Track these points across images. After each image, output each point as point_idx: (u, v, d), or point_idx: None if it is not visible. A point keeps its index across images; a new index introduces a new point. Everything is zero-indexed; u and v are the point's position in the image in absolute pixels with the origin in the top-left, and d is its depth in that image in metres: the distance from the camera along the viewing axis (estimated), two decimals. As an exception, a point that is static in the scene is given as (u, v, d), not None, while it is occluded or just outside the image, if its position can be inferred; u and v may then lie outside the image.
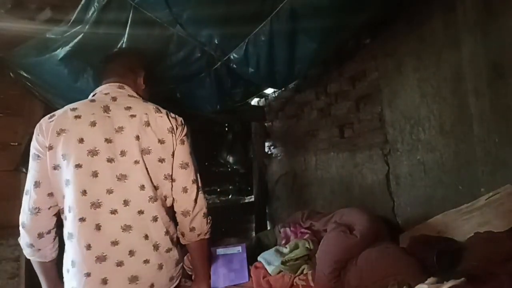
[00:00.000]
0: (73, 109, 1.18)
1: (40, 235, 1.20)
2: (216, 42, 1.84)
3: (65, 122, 1.14)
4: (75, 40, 1.53)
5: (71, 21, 1.48)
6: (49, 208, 1.18)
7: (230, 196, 3.09)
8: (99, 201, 1.10)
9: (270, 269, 1.91)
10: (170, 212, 1.25)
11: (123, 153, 1.14)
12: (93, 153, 1.11)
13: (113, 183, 1.11)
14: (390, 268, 1.53)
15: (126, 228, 1.10)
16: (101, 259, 1.07)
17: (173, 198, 1.24)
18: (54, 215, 1.21)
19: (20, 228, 1.21)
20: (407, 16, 2.12)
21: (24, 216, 1.19)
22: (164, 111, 1.26)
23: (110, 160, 1.12)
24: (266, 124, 3.41)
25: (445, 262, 1.41)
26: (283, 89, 3.04)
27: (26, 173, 1.82)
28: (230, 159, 3.05)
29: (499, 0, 1.73)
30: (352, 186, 2.50)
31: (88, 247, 1.08)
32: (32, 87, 1.86)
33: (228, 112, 2.86)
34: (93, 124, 1.14)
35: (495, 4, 1.74)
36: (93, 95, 1.28)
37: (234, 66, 2.05)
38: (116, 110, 1.19)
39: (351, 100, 2.52)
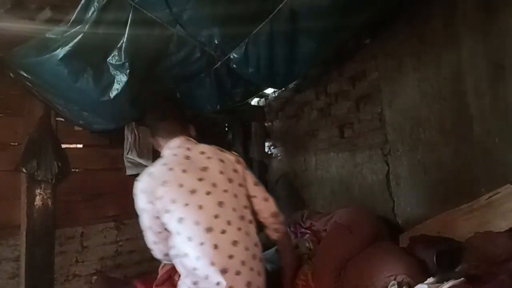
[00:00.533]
0: (164, 164, 1.46)
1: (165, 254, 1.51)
2: (216, 42, 1.84)
3: (164, 175, 1.42)
4: (75, 40, 1.53)
5: (71, 21, 1.48)
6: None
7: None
8: (210, 227, 1.32)
9: (270, 268, 1.92)
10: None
11: (214, 185, 1.39)
12: (193, 192, 1.36)
13: (217, 210, 1.35)
14: (390, 268, 1.53)
15: (234, 243, 1.33)
16: (223, 271, 1.27)
17: (257, 209, 1.54)
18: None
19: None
20: (407, 16, 2.11)
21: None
22: (226, 151, 1.57)
23: (208, 193, 1.37)
24: (266, 124, 3.41)
25: (445, 262, 1.41)
26: (283, 89, 3.04)
27: (26, 173, 1.84)
28: (230, 159, 3.05)
29: (499, 0, 1.73)
30: (352, 186, 2.50)
31: (212, 264, 1.28)
32: (32, 87, 1.86)
33: (228, 112, 2.86)
34: (184, 171, 1.40)
35: (495, 4, 1.74)
36: (170, 150, 1.53)
37: (234, 66, 2.05)
38: (194, 157, 1.47)
39: (351, 100, 2.52)
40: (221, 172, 1.43)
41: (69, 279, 2.02)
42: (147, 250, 2.37)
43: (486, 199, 1.71)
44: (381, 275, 1.50)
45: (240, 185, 1.47)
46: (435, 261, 1.43)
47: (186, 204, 1.33)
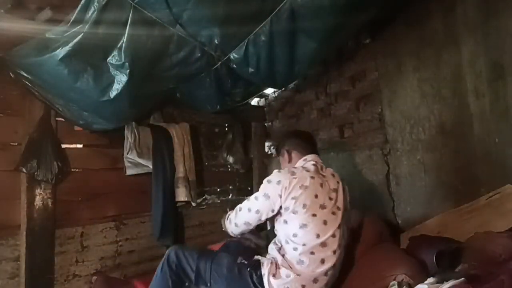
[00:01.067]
0: (307, 171, 1.58)
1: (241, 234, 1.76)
2: (216, 42, 1.84)
3: (306, 180, 1.53)
4: (75, 40, 1.53)
5: (71, 21, 1.48)
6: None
7: (230, 196, 3.08)
8: (326, 242, 1.48)
9: None
10: None
11: (339, 208, 1.56)
12: (323, 207, 1.51)
13: (336, 231, 1.50)
14: (390, 268, 1.52)
15: (334, 266, 1.50)
16: (315, 280, 1.47)
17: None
18: None
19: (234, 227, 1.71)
20: (407, 16, 2.12)
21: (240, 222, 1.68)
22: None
23: (333, 213, 1.53)
24: (266, 124, 3.41)
25: (444, 262, 1.41)
26: (283, 89, 3.04)
27: (26, 173, 1.83)
28: (230, 159, 3.04)
29: (499, 0, 1.73)
30: (352, 186, 2.49)
31: (313, 280, 1.47)
32: (32, 87, 1.86)
33: (228, 112, 2.86)
34: (321, 185, 1.54)
35: (495, 4, 1.74)
36: (307, 163, 1.65)
37: (234, 66, 2.05)
38: (328, 176, 1.62)
39: (351, 100, 2.52)
40: (344, 199, 1.60)
41: (69, 279, 2.02)
42: (147, 250, 2.39)
43: (486, 199, 1.71)
44: (381, 276, 1.50)
45: (346, 209, 1.63)
46: (434, 261, 1.43)
47: (314, 215, 1.48)
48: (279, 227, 1.58)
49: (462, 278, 1.17)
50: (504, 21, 1.71)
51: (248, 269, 1.51)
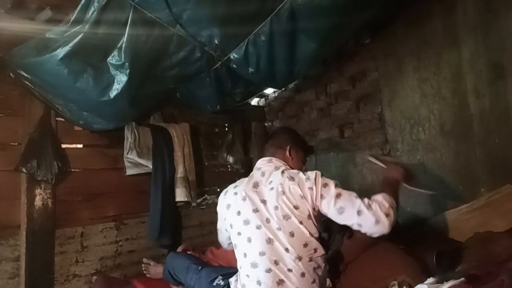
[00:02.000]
0: (235, 187, 1.52)
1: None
2: (216, 42, 1.84)
3: (230, 198, 1.49)
4: (75, 40, 1.52)
5: (71, 21, 1.47)
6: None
7: (230, 196, 3.09)
8: (255, 262, 1.32)
9: None
10: (321, 262, 1.38)
11: (268, 220, 1.34)
12: (246, 222, 1.37)
13: (264, 247, 1.31)
14: (390, 268, 1.52)
15: (280, 282, 1.29)
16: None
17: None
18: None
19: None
20: (407, 16, 2.12)
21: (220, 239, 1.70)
22: (297, 177, 1.38)
23: (258, 227, 1.34)
24: (266, 124, 3.41)
25: (444, 263, 1.41)
26: (283, 89, 3.04)
27: (26, 173, 1.83)
28: (230, 159, 3.04)
29: (499, 0, 1.73)
30: (352, 186, 2.50)
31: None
32: (32, 87, 1.86)
33: (228, 112, 2.86)
34: (244, 198, 1.41)
35: (495, 4, 1.74)
36: (254, 170, 1.57)
37: (234, 66, 2.05)
38: (262, 186, 1.43)
39: (351, 100, 2.52)
40: (276, 208, 1.37)
41: (69, 279, 2.02)
42: (147, 250, 2.39)
43: (486, 199, 1.71)
44: (381, 276, 1.50)
45: (300, 222, 1.36)
46: (434, 261, 1.42)
47: (239, 233, 1.43)
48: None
49: (462, 278, 1.17)
50: (504, 21, 1.71)
51: None
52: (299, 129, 2.98)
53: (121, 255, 2.26)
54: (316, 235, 1.36)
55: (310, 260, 1.32)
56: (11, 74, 1.86)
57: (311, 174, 1.39)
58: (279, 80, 2.26)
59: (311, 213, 1.34)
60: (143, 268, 2.09)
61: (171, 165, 2.43)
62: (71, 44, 1.54)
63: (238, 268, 1.43)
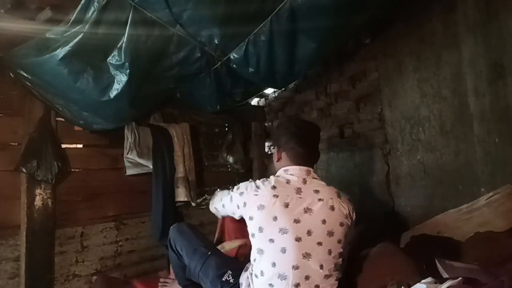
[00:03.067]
0: (274, 188, 1.34)
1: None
2: (216, 42, 1.84)
3: (265, 199, 1.32)
4: (75, 40, 1.52)
5: (71, 21, 1.47)
6: None
7: (230, 196, 3.09)
8: (285, 275, 1.25)
9: None
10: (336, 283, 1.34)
11: (309, 233, 1.27)
12: (283, 231, 1.27)
13: (300, 262, 1.25)
14: (388, 267, 1.52)
15: None
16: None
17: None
18: None
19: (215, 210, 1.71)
20: (407, 16, 2.12)
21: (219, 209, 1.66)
22: (343, 197, 1.38)
23: (297, 239, 1.26)
24: (266, 124, 3.41)
25: (435, 273, 1.38)
26: (283, 89, 3.04)
27: (26, 173, 1.83)
28: (230, 159, 3.04)
29: (499, 0, 1.73)
30: (352, 186, 2.50)
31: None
32: (32, 87, 1.86)
33: (228, 112, 2.86)
34: (286, 205, 1.29)
35: (495, 4, 1.74)
36: (287, 175, 1.41)
37: (234, 66, 2.05)
38: (307, 194, 1.33)
39: (351, 100, 2.52)
40: (324, 222, 1.30)
41: (69, 279, 2.02)
42: (146, 250, 2.39)
43: (486, 199, 1.71)
44: (380, 275, 1.50)
45: (339, 241, 1.33)
46: (425, 269, 1.42)
47: (271, 240, 1.30)
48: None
49: (460, 278, 1.17)
50: (504, 21, 1.71)
51: None
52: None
53: (121, 255, 2.27)
54: (343, 257, 1.37)
55: (336, 279, 1.32)
56: (11, 74, 1.86)
57: (349, 198, 1.40)
58: (279, 80, 2.26)
59: (347, 235, 1.35)
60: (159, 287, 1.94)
61: (171, 165, 2.43)
62: (71, 44, 1.54)
63: (256, 271, 1.33)
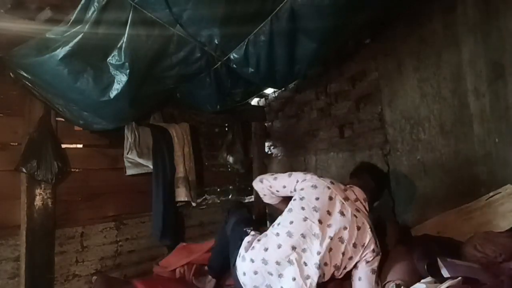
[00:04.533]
0: (331, 183, 1.61)
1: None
2: (216, 42, 1.84)
3: (320, 185, 1.59)
4: (75, 40, 1.52)
5: (71, 21, 1.47)
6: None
7: (230, 196, 3.08)
8: (292, 234, 1.48)
9: None
10: None
11: (329, 226, 1.48)
12: (316, 209, 1.51)
13: (308, 231, 1.48)
14: (387, 266, 1.53)
15: (291, 262, 1.46)
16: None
17: None
18: None
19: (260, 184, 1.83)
20: (407, 16, 2.11)
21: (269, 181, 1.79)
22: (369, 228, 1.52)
23: (320, 222, 1.47)
24: (266, 124, 3.41)
25: (437, 272, 1.38)
26: (283, 89, 3.04)
27: (26, 173, 1.83)
28: (230, 159, 3.04)
29: (499, 0, 1.73)
30: (352, 186, 2.50)
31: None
32: (32, 87, 1.86)
33: (228, 112, 2.86)
34: (330, 198, 1.54)
35: (495, 4, 1.74)
36: (348, 186, 1.66)
37: (234, 66, 2.05)
38: (349, 204, 1.54)
39: (351, 100, 2.52)
40: (349, 239, 1.48)
41: (69, 279, 2.02)
42: (146, 250, 2.39)
43: (486, 199, 1.71)
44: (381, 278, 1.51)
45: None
46: (425, 269, 1.42)
47: (303, 208, 1.53)
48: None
49: (460, 278, 1.17)
50: (504, 21, 1.71)
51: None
52: (299, 129, 2.99)
53: (121, 255, 2.27)
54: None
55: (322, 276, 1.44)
56: (11, 74, 1.86)
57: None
58: (279, 80, 2.26)
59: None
60: None
61: (171, 165, 2.43)
62: (71, 44, 1.54)
63: (276, 225, 1.58)
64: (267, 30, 1.73)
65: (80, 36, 1.51)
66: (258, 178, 1.86)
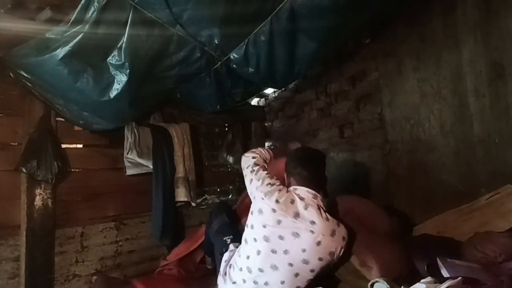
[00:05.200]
0: (276, 202, 1.42)
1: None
2: (216, 42, 1.84)
3: (266, 208, 1.44)
4: (75, 40, 1.52)
5: (71, 21, 1.47)
6: None
7: (230, 196, 3.07)
8: (251, 269, 1.43)
9: None
10: None
11: (286, 252, 1.38)
12: (266, 239, 1.40)
13: (266, 267, 1.41)
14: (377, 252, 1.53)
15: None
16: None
17: None
18: None
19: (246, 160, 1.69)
20: (407, 16, 2.12)
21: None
22: (338, 235, 1.41)
23: (273, 252, 1.39)
24: (266, 124, 3.41)
25: (436, 272, 1.38)
26: (283, 89, 3.04)
27: (26, 173, 1.83)
28: (230, 159, 3.04)
29: (499, 0, 1.73)
30: (352, 186, 2.50)
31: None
32: (32, 87, 1.86)
33: (228, 112, 2.86)
34: (279, 222, 1.40)
35: (495, 4, 1.74)
36: (294, 194, 1.47)
37: (234, 66, 2.05)
38: (303, 219, 1.39)
39: (351, 100, 2.52)
40: (304, 251, 1.38)
41: (69, 279, 2.02)
42: (146, 250, 2.39)
43: (486, 199, 1.71)
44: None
45: (312, 270, 1.40)
46: (425, 270, 1.42)
47: (255, 240, 1.45)
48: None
49: (460, 278, 1.17)
50: (504, 21, 1.71)
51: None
52: (299, 129, 2.99)
53: (121, 255, 2.27)
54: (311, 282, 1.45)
55: None
56: (11, 74, 1.86)
57: (344, 236, 1.43)
58: (279, 80, 2.26)
59: (324, 267, 1.42)
60: None
61: (171, 165, 2.43)
62: (71, 44, 1.54)
63: (236, 255, 1.56)
64: (267, 30, 1.73)
65: (80, 36, 1.51)
66: (246, 158, 1.70)
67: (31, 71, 1.78)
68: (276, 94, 3.26)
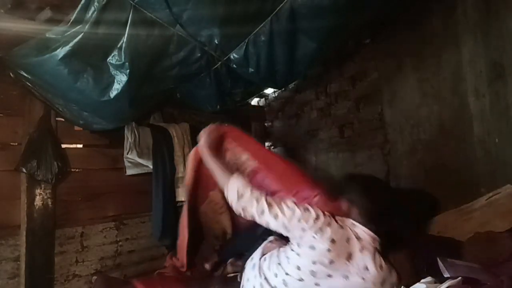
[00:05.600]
0: (332, 241, 1.31)
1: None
2: (216, 42, 1.84)
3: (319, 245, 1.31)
4: (75, 40, 1.52)
5: (71, 21, 1.48)
6: None
7: (230, 196, 3.08)
8: None
9: None
10: None
11: None
12: (313, 274, 1.30)
13: None
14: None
15: None
16: None
17: None
18: None
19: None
20: (407, 16, 2.11)
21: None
22: (390, 284, 1.34)
23: (317, 284, 1.31)
24: (266, 124, 3.41)
25: (435, 273, 1.38)
26: (283, 89, 3.04)
27: (26, 173, 1.83)
28: (230, 159, 3.05)
29: (499, 0, 1.73)
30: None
31: None
32: (32, 87, 1.86)
33: (228, 112, 2.86)
34: (331, 262, 1.29)
35: (495, 4, 1.74)
36: (351, 231, 1.36)
37: (234, 66, 2.05)
38: (356, 263, 1.30)
39: (351, 100, 2.52)
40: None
41: (69, 279, 2.02)
42: (146, 250, 2.39)
43: (486, 199, 1.71)
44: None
45: None
46: (425, 270, 1.42)
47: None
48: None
49: (460, 278, 1.17)
50: (504, 21, 1.71)
51: None
52: (299, 129, 2.99)
53: (121, 255, 2.27)
54: None
55: None
56: (11, 74, 1.86)
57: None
58: (279, 80, 2.26)
59: None
60: None
61: (172, 165, 2.43)
62: (71, 44, 1.54)
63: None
64: (267, 30, 1.73)
65: (80, 36, 1.51)
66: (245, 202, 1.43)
67: (31, 71, 1.78)
68: (276, 94, 3.26)
